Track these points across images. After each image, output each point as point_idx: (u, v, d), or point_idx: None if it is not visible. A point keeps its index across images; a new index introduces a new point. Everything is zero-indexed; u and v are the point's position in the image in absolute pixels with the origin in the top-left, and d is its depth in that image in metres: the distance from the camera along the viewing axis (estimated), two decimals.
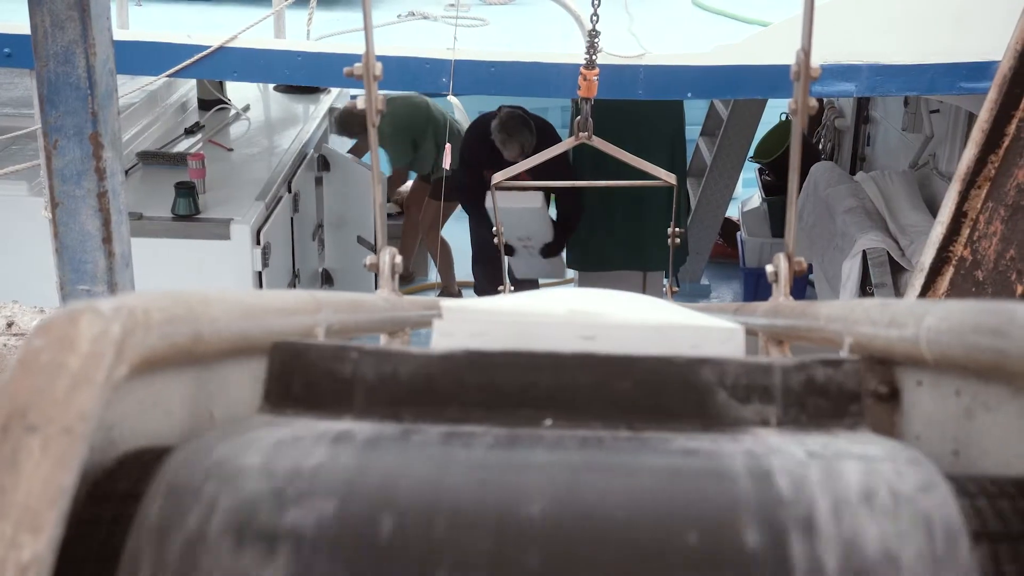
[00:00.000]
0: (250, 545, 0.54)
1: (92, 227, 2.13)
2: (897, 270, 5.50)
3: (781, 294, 1.84)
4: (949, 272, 3.10)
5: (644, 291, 7.09)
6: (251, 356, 0.82)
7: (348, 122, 7.45)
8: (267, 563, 0.53)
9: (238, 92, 7.49)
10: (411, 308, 1.81)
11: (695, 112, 8.54)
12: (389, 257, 1.77)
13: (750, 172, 8.82)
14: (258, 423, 0.67)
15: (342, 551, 0.53)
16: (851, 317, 0.98)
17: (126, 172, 5.85)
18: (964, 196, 3.05)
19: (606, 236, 6.80)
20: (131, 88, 5.88)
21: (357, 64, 1.69)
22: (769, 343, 1.80)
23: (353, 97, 7.56)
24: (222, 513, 0.55)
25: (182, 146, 6.66)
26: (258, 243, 5.45)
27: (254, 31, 4.42)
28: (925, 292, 3.19)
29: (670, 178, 3.69)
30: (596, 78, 3.57)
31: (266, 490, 0.56)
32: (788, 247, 1.94)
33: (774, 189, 8.11)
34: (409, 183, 8.41)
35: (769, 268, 1.90)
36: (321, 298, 1.01)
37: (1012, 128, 2.96)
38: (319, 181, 7.02)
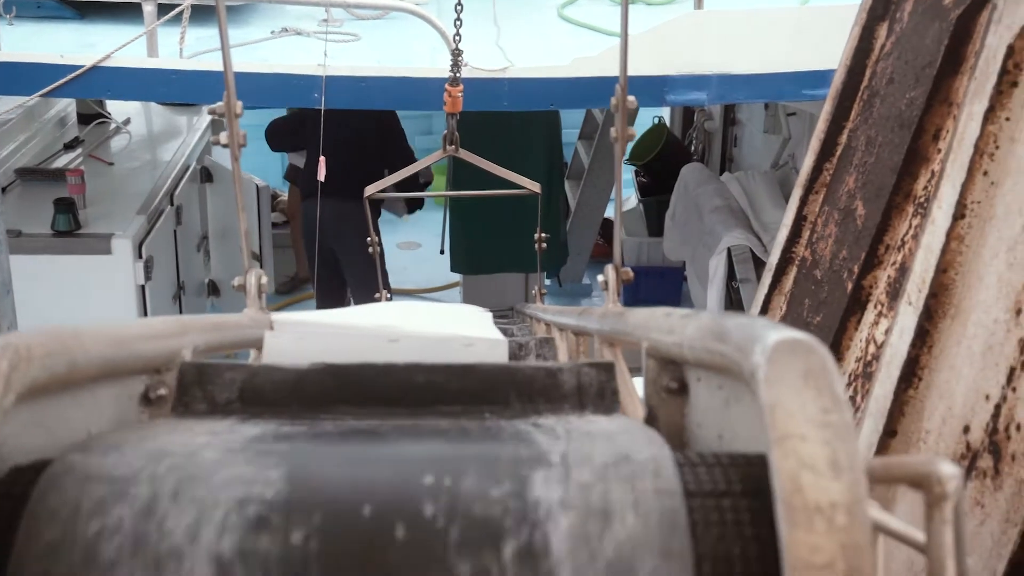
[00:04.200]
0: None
1: None
2: (760, 265, 5.79)
3: (610, 301, 2.04)
4: (793, 271, 3.31)
5: (526, 291, 7.29)
6: (123, 378, 0.96)
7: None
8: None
9: (119, 106, 7.46)
10: None
11: (574, 116, 8.76)
12: (255, 278, 1.91)
13: (627, 173, 9.09)
14: (166, 427, 0.82)
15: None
16: (646, 325, 1.16)
17: (3, 189, 5.84)
18: (804, 201, 3.26)
19: (488, 241, 6.98)
20: (8, 105, 5.86)
21: (219, 104, 1.84)
22: (603, 345, 2.00)
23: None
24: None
25: (61, 161, 6.63)
26: (140, 257, 5.49)
27: (128, 49, 4.48)
28: (772, 290, 3.39)
29: (534, 186, 3.88)
30: (460, 94, 3.73)
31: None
32: (616, 259, 2.14)
33: (649, 190, 8.38)
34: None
35: (600, 278, 2.11)
36: (187, 322, 1.15)
37: (844, 138, 3.17)
38: (203, 193, 7.06)
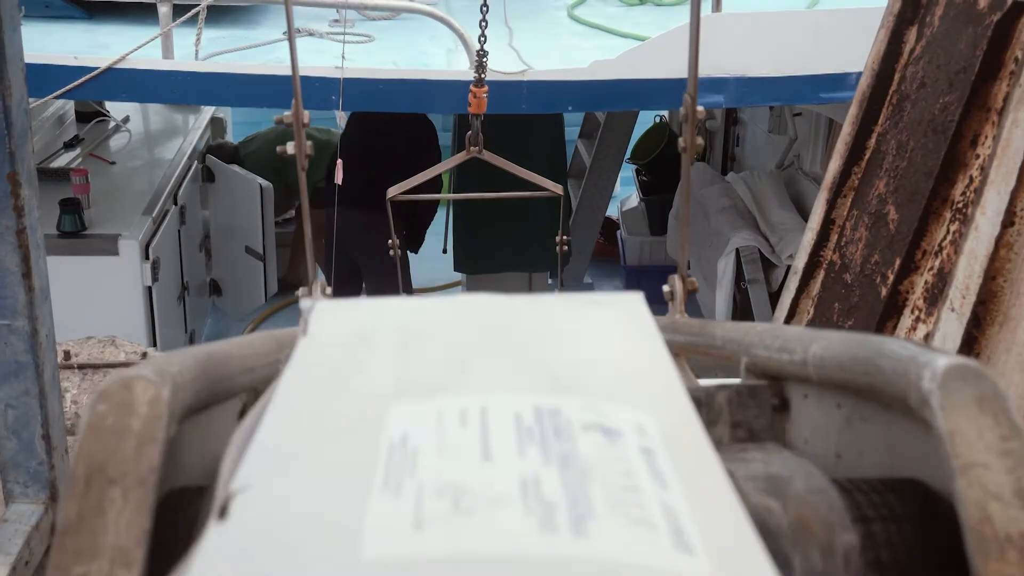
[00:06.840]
0: None
1: (12, 263, 2.18)
2: (768, 266, 5.81)
3: (677, 312, 2.04)
4: (821, 275, 3.30)
5: (530, 291, 7.28)
6: (233, 399, 0.96)
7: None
8: None
9: (117, 103, 7.41)
10: None
11: (573, 115, 8.76)
12: (320, 291, 1.89)
13: (628, 171, 9.10)
14: None
15: None
16: (745, 340, 1.15)
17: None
18: (831, 204, 3.24)
19: (492, 238, 6.96)
20: None
21: (287, 113, 1.83)
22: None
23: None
24: None
25: (62, 160, 6.58)
26: (147, 258, 5.47)
27: (141, 51, 4.44)
28: (800, 293, 3.38)
29: (556, 188, 3.86)
30: (486, 95, 3.72)
31: None
32: (681, 269, 2.14)
33: (651, 189, 8.39)
34: None
35: (666, 288, 2.11)
36: (280, 338, 1.14)
37: (872, 142, 3.16)
38: (204, 192, 7.02)
